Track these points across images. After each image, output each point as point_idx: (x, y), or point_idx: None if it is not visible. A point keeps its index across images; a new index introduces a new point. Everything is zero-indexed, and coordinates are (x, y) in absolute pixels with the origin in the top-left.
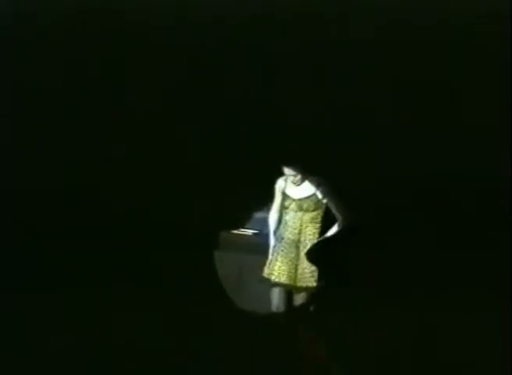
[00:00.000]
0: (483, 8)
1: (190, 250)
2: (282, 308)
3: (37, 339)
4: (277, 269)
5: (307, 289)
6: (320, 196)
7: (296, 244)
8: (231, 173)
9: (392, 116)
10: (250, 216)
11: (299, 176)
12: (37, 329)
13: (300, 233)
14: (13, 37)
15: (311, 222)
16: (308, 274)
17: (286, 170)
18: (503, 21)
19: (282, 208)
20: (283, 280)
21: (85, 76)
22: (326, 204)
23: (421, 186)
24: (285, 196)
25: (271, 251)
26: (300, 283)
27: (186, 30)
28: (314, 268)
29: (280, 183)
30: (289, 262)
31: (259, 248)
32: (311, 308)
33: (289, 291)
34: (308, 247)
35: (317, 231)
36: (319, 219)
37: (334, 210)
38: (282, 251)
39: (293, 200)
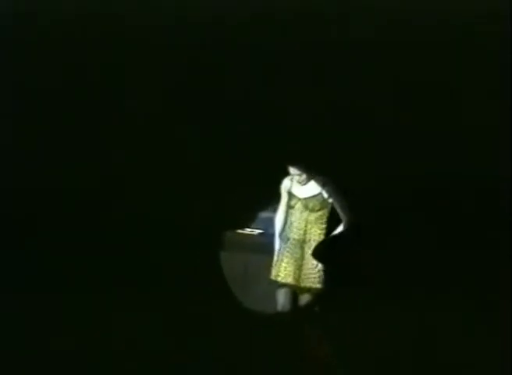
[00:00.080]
0: (483, 8)
1: (190, 250)
2: (287, 308)
3: (36, 339)
4: (283, 270)
5: (310, 290)
6: (325, 195)
7: (301, 244)
8: (231, 173)
9: (392, 116)
10: (254, 215)
11: (304, 176)
12: (37, 329)
13: (305, 234)
14: (13, 37)
15: (316, 222)
16: (312, 275)
17: (292, 170)
18: (503, 21)
19: (288, 208)
20: (290, 280)
21: (85, 74)
22: (332, 204)
23: (421, 186)
24: (291, 195)
25: (276, 252)
26: (303, 284)
27: (186, 30)
28: (318, 269)
29: (286, 183)
30: (295, 263)
31: (265, 247)
32: (316, 309)
33: (295, 291)
34: (313, 247)
35: (322, 232)
36: (324, 220)
37: (339, 210)
38: (287, 251)
39: (299, 199)
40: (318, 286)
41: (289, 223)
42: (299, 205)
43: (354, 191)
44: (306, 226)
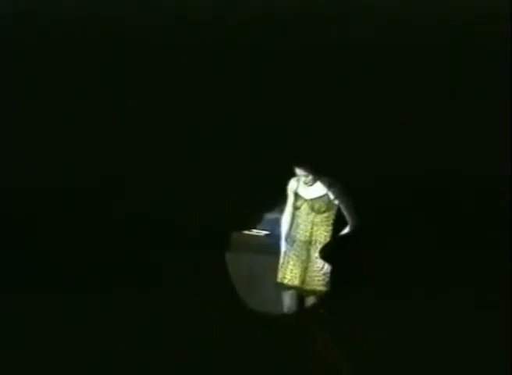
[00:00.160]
0: (483, 8)
1: (190, 250)
2: (293, 309)
3: (36, 339)
4: (289, 272)
5: (315, 292)
6: (332, 197)
7: (308, 246)
8: (230, 173)
9: (392, 116)
10: (259, 216)
11: (311, 177)
12: (37, 329)
13: (311, 236)
14: (13, 37)
15: (321, 224)
16: (317, 278)
17: (298, 170)
18: (503, 21)
19: (294, 209)
20: (296, 283)
21: (85, 74)
22: (338, 205)
23: (421, 186)
24: (297, 196)
25: (282, 255)
26: (308, 287)
27: (186, 30)
28: (323, 272)
29: (292, 184)
30: (301, 265)
31: (270, 248)
32: (322, 311)
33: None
34: (319, 250)
35: (328, 234)
36: (331, 222)
37: (345, 212)
38: (293, 254)
39: (305, 200)
40: (323, 289)
41: (295, 224)
42: (305, 206)
43: (354, 191)
44: (312, 228)
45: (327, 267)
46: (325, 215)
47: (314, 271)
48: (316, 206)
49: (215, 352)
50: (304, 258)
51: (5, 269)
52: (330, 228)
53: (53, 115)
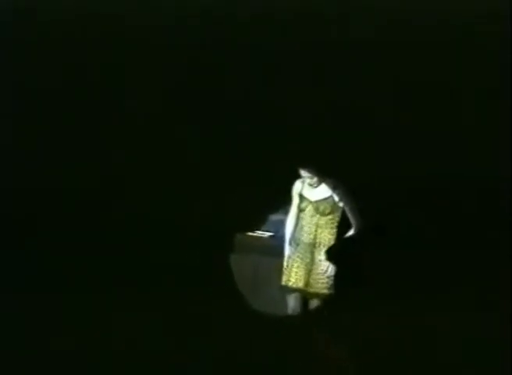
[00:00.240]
0: (483, 8)
1: (190, 250)
2: (297, 311)
3: (36, 339)
4: (294, 275)
5: (319, 295)
6: (336, 199)
7: (312, 249)
8: (230, 173)
9: (392, 116)
10: (264, 218)
11: (315, 179)
12: (37, 329)
13: (315, 238)
14: (13, 37)
15: (326, 226)
16: (321, 280)
17: (303, 172)
18: (503, 21)
19: (299, 211)
20: (301, 285)
21: (85, 74)
22: (342, 208)
23: (421, 186)
24: (302, 198)
25: (286, 258)
26: (312, 289)
27: (186, 30)
28: (327, 275)
29: (297, 185)
30: (305, 267)
31: (274, 250)
32: (325, 312)
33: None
34: (323, 252)
35: (332, 237)
36: (335, 224)
37: (349, 214)
38: (297, 256)
39: (310, 202)
40: (327, 291)
41: (299, 227)
42: (309, 208)
43: (355, 191)
44: (316, 230)
45: (331, 270)
46: (330, 217)
47: (318, 274)
48: (321, 208)
49: (215, 352)
50: (308, 260)
51: (5, 269)
52: (334, 230)
53: (53, 115)
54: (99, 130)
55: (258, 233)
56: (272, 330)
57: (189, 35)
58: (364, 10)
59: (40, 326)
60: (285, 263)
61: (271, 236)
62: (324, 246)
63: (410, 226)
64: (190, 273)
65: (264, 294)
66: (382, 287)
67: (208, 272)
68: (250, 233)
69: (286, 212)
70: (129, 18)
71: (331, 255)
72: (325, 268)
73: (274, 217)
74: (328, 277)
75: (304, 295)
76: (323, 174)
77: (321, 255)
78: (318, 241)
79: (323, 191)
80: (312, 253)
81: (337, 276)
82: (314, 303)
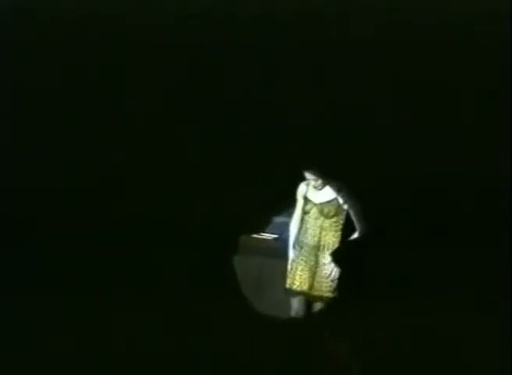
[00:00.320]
0: (483, 8)
1: (190, 250)
2: (301, 314)
3: (36, 339)
4: (298, 277)
5: (322, 298)
6: (341, 201)
7: (316, 252)
8: (230, 173)
9: (392, 116)
10: (265, 218)
11: (320, 181)
12: (37, 329)
13: (319, 241)
14: (13, 36)
15: (330, 229)
16: (324, 284)
17: (308, 175)
18: (503, 21)
19: (303, 214)
20: (305, 288)
21: (85, 74)
22: (346, 211)
23: (421, 186)
24: (306, 200)
25: (290, 261)
26: (316, 292)
27: (186, 30)
28: (331, 278)
29: (302, 188)
30: (309, 270)
31: (279, 252)
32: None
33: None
34: (327, 255)
35: (336, 240)
36: (339, 227)
37: (353, 217)
38: (301, 259)
39: (314, 204)
40: (330, 295)
41: (303, 229)
42: (314, 211)
43: (355, 191)
44: (320, 232)
45: (335, 273)
46: (334, 220)
47: (322, 277)
48: (325, 210)
49: (215, 353)
50: (312, 263)
51: (5, 269)
52: (339, 233)
53: (53, 115)
54: (99, 130)
55: (263, 235)
56: (273, 330)
57: (189, 35)
58: (364, 10)
59: (40, 326)
60: (289, 266)
61: (275, 238)
62: (328, 249)
63: (410, 225)
64: (190, 273)
65: (268, 297)
66: (382, 287)
67: (208, 272)
68: (255, 235)
69: (290, 215)
70: (129, 18)
71: (335, 257)
72: (329, 271)
73: (278, 219)
74: (332, 281)
75: (308, 298)
76: (327, 176)
77: (325, 258)
78: (322, 243)
79: (327, 194)
80: (316, 256)
81: (341, 279)
82: (317, 306)
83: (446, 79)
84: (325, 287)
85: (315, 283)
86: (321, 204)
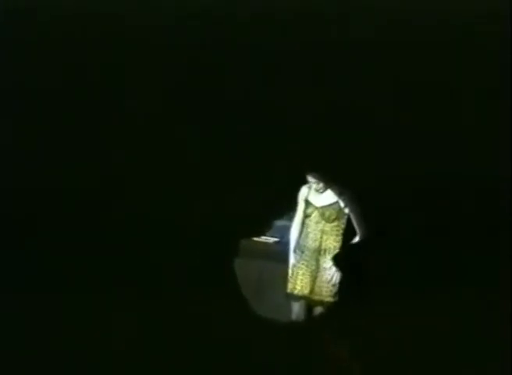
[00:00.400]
0: (483, 8)
1: (190, 250)
2: (302, 317)
3: (36, 339)
4: (299, 282)
5: (322, 303)
6: (342, 205)
7: (317, 256)
8: (230, 173)
9: (392, 116)
10: (265, 219)
11: (322, 184)
12: (37, 329)
13: (320, 245)
14: (13, 36)
15: (331, 233)
16: (325, 288)
17: (309, 177)
18: (503, 21)
19: (304, 217)
20: (306, 292)
21: (85, 74)
22: (348, 215)
23: (421, 186)
24: (307, 203)
25: (291, 266)
26: (316, 297)
27: (186, 30)
28: (332, 283)
29: (304, 191)
30: (310, 275)
31: (279, 255)
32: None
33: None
34: (328, 259)
35: (338, 244)
36: (340, 231)
37: (355, 220)
38: (302, 264)
39: (316, 208)
40: (331, 299)
41: (304, 234)
42: (315, 214)
43: (355, 191)
44: (322, 236)
45: (336, 278)
46: (335, 224)
47: (323, 282)
48: (326, 214)
49: (215, 353)
50: (313, 267)
51: (5, 269)
52: (340, 238)
53: (53, 115)
54: (99, 130)
55: (263, 238)
56: (273, 331)
57: (189, 35)
58: (364, 10)
59: (40, 326)
60: (290, 271)
61: (276, 241)
62: (329, 253)
63: (410, 225)
64: (190, 273)
65: (269, 300)
66: (382, 287)
67: (208, 272)
68: (256, 239)
69: (291, 218)
70: (129, 18)
71: (336, 262)
72: (330, 276)
73: (279, 223)
74: (333, 285)
75: (309, 302)
76: (327, 176)
77: (326, 263)
78: (323, 247)
79: (329, 197)
80: (317, 260)
81: (341, 279)
82: (318, 310)
83: (446, 79)
84: (326, 291)
85: (316, 288)
86: (322, 207)
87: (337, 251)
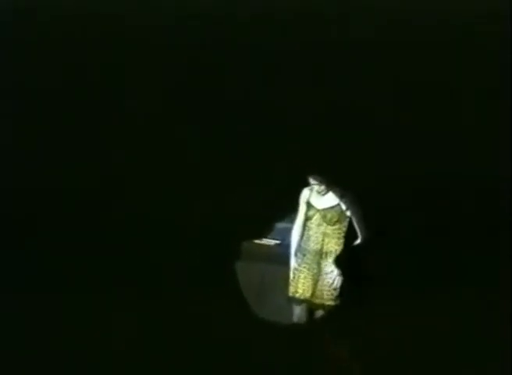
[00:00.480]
0: (483, 8)
1: (190, 250)
2: (303, 319)
3: (36, 339)
4: (301, 285)
5: (323, 306)
6: (344, 207)
7: (318, 260)
8: (230, 173)
9: (392, 116)
10: (270, 224)
11: (323, 186)
12: (37, 329)
13: (322, 248)
14: (13, 36)
15: (333, 236)
16: (326, 292)
17: (311, 179)
18: (503, 21)
19: (306, 220)
20: (308, 295)
21: (85, 73)
22: (349, 218)
23: (421, 186)
24: (309, 206)
25: (292, 269)
26: (317, 300)
27: (186, 30)
28: (333, 287)
29: (305, 193)
30: (312, 278)
31: (281, 258)
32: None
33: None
34: (330, 263)
35: (339, 248)
36: (342, 234)
37: (356, 223)
38: (304, 267)
39: (317, 210)
40: (332, 303)
41: (306, 237)
42: (317, 217)
43: (355, 192)
44: (323, 239)
45: (337, 282)
46: (337, 226)
47: (325, 285)
48: (328, 216)
49: (215, 353)
50: (315, 271)
51: (5, 269)
52: (341, 241)
53: (53, 115)
54: (99, 130)
55: (265, 240)
56: (273, 331)
57: (189, 35)
58: (364, 10)
59: (40, 326)
60: (291, 275)
61: (277, 244)
62: (330, 256)
63: (410, 225)
64: (190, 273)
65: (270, 302)
66: (382, 287)
67: (208, 272)
68: (257, 241)
69: (292, 221)
70: (129, 18)
71: (337, 263)
72: (332, 280)
73: (280, 225)
74: (334, 289)
75: (310, 306)
76: (327, 177)
77: (327, 266)
78: (324, 250)
79: (330, 200)
80: (319, 263)
81: (342, 284)
82: (319, 313)
83: (446, 79)
84: (327, 295)
85: (317, 291)
86: (324, 209)
87: (338, 253)
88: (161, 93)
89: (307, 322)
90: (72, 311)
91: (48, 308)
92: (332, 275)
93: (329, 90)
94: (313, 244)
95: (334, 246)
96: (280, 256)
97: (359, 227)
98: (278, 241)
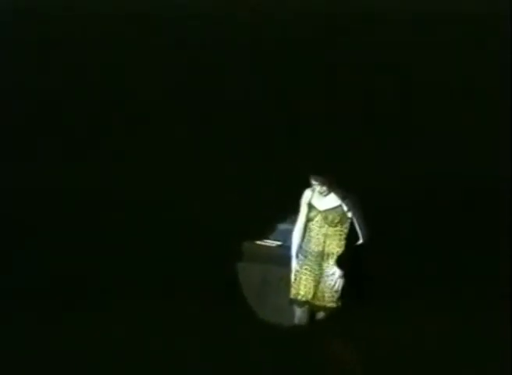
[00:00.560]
0: (483, 8)
1: (190, 250)
2: (304, 321)
3: (36, 339)
4: (303, 287)
5: (325, 309)
6: (345, 208)
7: (319, 261)
8: (230, 173)
9: (392, 116)
10: (271, 225)
11: (325, 187)
12: (37, 330)
13: (323, 249)
14: (13, 36)
15: (334, 238)
16: (327, 294)
17: (313, 180)
18: (503, 21)
19: (307, 221)
20: (310, 297)
21: (85, 73)
22: (351, 220)
23: (421, 186)
24: (311, 207)
25: (293, 271)
26: (318, 302)
27: (186, 30)
28: (335, 289)
29: (307, 194)
30: (314, 280)
31: (282, 259)
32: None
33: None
34: (331, 264)
35: (340, 249)
36: (343, 236)
37: (357, 224)
38: (306, 269)
39: (319, 211)
40: (333, 305)
41: (307, 238)
42: (318, 218)
43: (355, 192)
44: (325, 241)
45: (338, 284)
46: (338, 228)
47: (326, 288)
48: (330, 217)
49: (215, 353)
50: (316, 273)
51: (5, 269)
52: (343, 243)
53: (53, 115)
54: (99, 130)
55: (266, 242)
56: (274, 331)
57: (189, 35)
58: (365, 10)
59: (40, 326)
60: (293, 276)
61: (279, 245)
62: (332, 258)
63: (410, 226)
64: (189, 273)
65: (271, 304)
66: (382, 287)
67: (208, 272)
68: (258, 242)
69: (294, 222)
70: (129, 18)
71: (338, 265)
72: (333, 282)
73: (282, 226)
74: (335, 291)
75: (311, 308)
76: (328, 177)
77: (329, 268)
78: (326, 252)
79: (332, 201)
80: (320, 265)
81: (344, 288)
82: (320, 314)
83: (446, 79)
84: (328, 297)
85: (319, 293)
86: (325, 211)
87: (339, 254)
88: (161, 93)
89: (308, 324)
90: (72, 311)
91: (47, 309)
92: (333, 277)
93: (329, 90)
94: (314, 246)
95: (335, 248)
96: (281, 257)
97: (361, 229)
98: (279, 242)
